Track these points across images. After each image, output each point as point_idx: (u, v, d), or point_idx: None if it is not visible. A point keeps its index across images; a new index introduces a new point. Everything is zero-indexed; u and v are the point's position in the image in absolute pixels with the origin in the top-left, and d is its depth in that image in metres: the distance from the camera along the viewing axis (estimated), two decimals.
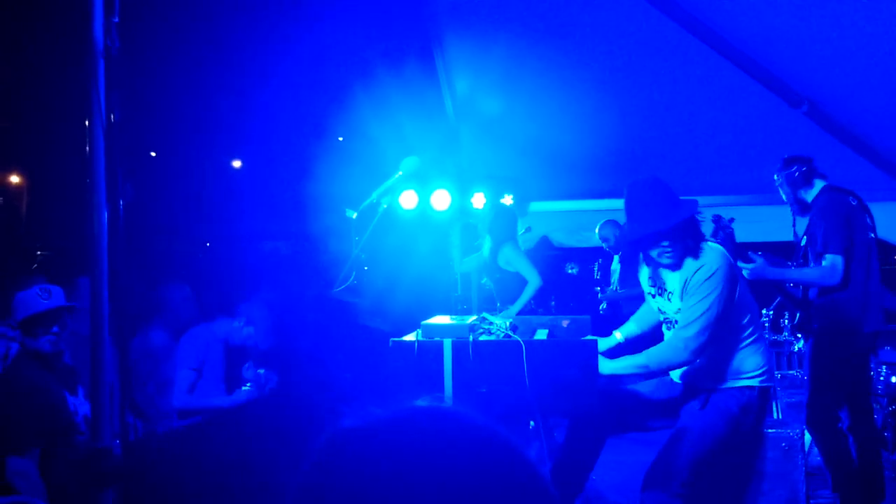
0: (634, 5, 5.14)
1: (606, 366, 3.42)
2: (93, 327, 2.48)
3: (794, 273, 4.53)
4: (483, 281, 6.47)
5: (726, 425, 3.39)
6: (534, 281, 5.91)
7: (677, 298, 3.43)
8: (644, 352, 3.43)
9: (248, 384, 4.37)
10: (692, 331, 3.28)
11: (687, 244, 3.34)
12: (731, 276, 3.32)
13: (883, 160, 5.99)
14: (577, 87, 5.98)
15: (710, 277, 3.28)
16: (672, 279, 3.46)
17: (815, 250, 4.38)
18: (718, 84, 5.58)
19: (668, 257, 3.36)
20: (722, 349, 3.40)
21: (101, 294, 2.48)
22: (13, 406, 3.47)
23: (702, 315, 3.27)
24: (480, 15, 5.73)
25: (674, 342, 3.35)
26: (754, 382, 3.42)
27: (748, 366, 3.43)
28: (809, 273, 4.46)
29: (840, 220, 4.34)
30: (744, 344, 3.42)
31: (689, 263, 3.35)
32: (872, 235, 4.47)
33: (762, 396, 3.46)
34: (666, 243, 3.32)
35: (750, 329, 3.44)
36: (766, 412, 3.55)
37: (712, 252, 3.36)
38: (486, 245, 6.24)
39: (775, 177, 4.63)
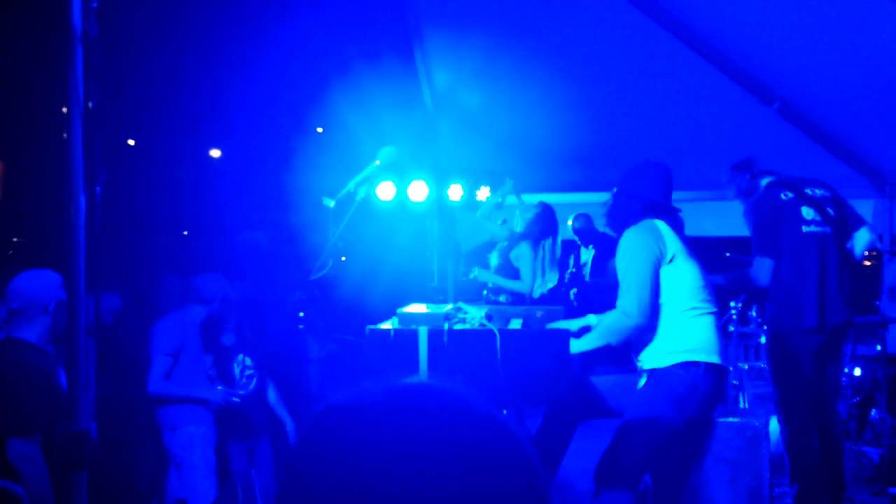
0: (611, 1, 5.21)
1: (573, 345, 3.47)
2: (70, 313, 2.50)
3: (728, 278, 4.54)
4: (473, 274, 6.48)
5: (672, 408, 3.35)
6: (524, 286, 5.96)
7: None
8: (596, 327, 3.52)
9: (221, 387, 4.32)
10: (625, 295, 3.41)
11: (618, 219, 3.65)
12: (646, 243, 3.44)
13: (854, 158, 6.09)
14: (553, 82, 6.03)
15: (625, 247, 3.48)
16: None
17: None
18: (692, 80, 5.65)
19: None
20: (662, 321, 3.43)
21: (77, 281, 2.50)
22: (16, 386, 3.31)
23: (629, 279, 3.41)
24: (460, 8, 5.77)
25: (616, 311, 3.47)
26: (699, 358, 3.38)
27: (692, 341, 3.40)
28: (741, 277, 4.50)
29: (765, 220, 4.34)
30: (685, 317, 3.43)
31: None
32: (815, 229, 4.31)
33: (710, 376, 3.39)
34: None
35: (693, 303, 3.45)
36: (717, 395, 3.50)
37: (633, 228, 3.53)
38: (518, 226, 6.27)
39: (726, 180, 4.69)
